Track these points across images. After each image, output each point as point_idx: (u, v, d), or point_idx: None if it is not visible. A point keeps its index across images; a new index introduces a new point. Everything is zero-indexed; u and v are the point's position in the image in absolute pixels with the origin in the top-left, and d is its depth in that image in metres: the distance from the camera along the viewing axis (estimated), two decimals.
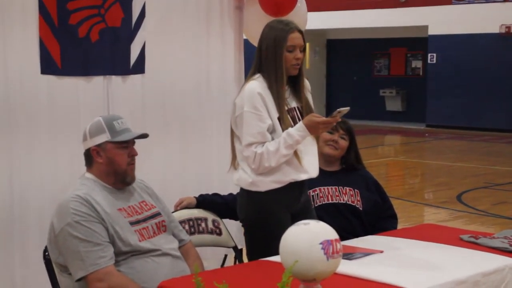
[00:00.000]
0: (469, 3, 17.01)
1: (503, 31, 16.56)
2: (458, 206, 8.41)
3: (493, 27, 16.64)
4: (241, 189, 3.36)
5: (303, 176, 3.34)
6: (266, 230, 3.28)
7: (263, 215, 3.29)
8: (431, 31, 17.64)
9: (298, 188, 3.36)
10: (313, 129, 3.21)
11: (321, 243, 2.29)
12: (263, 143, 3.22)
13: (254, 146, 3.22)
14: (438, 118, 17.66)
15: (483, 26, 16.72)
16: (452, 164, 12.15)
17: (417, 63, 19.50)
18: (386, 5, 18.04)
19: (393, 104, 19.54)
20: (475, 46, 16.94)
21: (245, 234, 3.45)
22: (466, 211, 8.14)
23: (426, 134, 17.15)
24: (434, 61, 17.74)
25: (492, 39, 16.70)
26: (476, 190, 9.54)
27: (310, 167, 3.37)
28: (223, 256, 4.09)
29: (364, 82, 20.18)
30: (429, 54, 17.86)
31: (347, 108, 3.15)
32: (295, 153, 3.27)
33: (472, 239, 3.22)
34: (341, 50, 20.64)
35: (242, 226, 3.49)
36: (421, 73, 19.26)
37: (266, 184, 3.27)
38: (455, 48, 17.24)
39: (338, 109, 3.15)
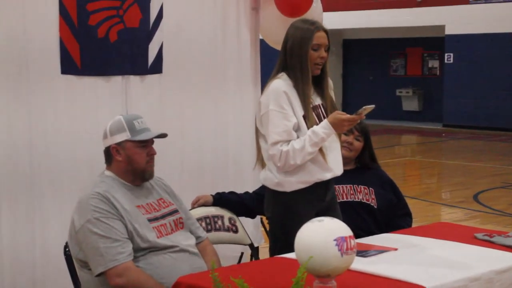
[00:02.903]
0: (486, 2, 16.91)
1: None
2: (475, 206, 8.39)
3: (510, 27, 16.53)
4: (268, 188, 3.40)
5: (328, 175, 3.35)
6: (290, 229, 3.28)
7: (289, 215, 3.32)
8: (448, 31, 17.57)
9: (323, 187, 3.38)
10: (338, 126, 3.24)
11: (335, 240, 2.33)
12: (288, 141, 3.24)
13: (280, 144, 3.24)
14: (455, 118, 17.58)
15: (500, 25, 16.61)
16: (469, 164, 12.11)
17: (433, 63, 19.42)
18: (402, 5, 17.99)
19: (410, 104, 19.48)
20: (492, 45, 16.85)
21: (270, 231, 3.51)
22: (482, 210, 8.11)
23: (443, 134, 17.08)
24: (451, 61, 17.66)
25: (509, 39, 16.60)
26: (493, 190, 9.50)
27: (335, 165, 3.38)
28: (240, 254, 4.13)
29: (380, 82, 20.12)
30: (446, 54, 17.79)
31: (372, 106, 3.17)
32: (320, 151, 3.29)
33: (487, 237, 3.23)
34: (357, 50, 20.60)
35: (268, 223, 3.55)
36: (437, 73, 19.18)
37: (292, 184, 3.30)
38: (472, 47, 17.16)
39: (364, 107, 3.17)
